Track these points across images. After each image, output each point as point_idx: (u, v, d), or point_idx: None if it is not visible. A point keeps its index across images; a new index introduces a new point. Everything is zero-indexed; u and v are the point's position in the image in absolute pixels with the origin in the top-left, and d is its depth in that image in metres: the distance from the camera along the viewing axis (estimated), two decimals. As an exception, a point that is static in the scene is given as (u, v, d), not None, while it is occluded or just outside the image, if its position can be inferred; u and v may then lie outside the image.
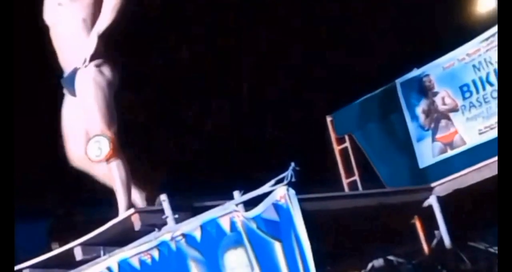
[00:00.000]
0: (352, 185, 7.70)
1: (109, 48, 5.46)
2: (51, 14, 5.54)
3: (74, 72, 5.48)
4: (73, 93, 5.53)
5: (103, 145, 5.27)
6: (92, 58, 5.41)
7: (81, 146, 5.47)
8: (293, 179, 4.65)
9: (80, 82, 5.44)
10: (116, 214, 5.28)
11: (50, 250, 5.74)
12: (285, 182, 4.67)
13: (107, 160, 5.28)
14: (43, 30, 5.62)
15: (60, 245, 5.73)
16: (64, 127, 5.60)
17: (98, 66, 5.43)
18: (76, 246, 5.40)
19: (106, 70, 5.46)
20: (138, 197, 5.37)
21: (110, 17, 5.40)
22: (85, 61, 5.41)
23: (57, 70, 5.61)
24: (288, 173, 4.64)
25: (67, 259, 5.47)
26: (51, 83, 5.69)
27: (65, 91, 5.60)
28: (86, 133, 5.47)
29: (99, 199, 5.56)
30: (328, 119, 7.90)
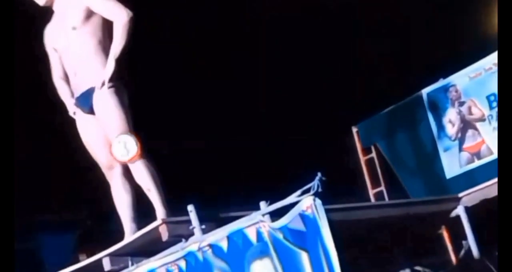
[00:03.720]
0: (378, 196, 7.67)
1: (121, 67, 5.56)
2: (62, 38, 5.67)
3: (89, 91, 5.60)
4: (87, 111, 5.64)
5: (130, 145, 5.32)
6: (110, 80, 5.54)
7: (108, 155, 5.55)
8: (320, 190, 4.65)
9: (99, 98, 5.56)
10: (143, 224, 5.31)
11: (78, 262, 5.78)
12: (312, 192, 4.66)
13: (134, 159, 5.32)
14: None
15: (88, 257, 5.77)
16: (86, 143, 5.70)
17: (114, 85, 5.55)
18: (104, 257, 5.43)
19: (122, 87, 5.59)
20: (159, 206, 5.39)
21: (124, 39, 5.54)
22: (103, 84, 5.54)
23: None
24: (315, 183, 4.64)
25: (95, 270, 5.51)
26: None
27: (77, 110, 5.69)
28: (107, 140, 5.54)
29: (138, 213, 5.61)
30: (354, 129, 7.89)
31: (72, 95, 5.72)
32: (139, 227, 5.38)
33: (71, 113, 5.75)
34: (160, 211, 5.35)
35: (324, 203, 4.70)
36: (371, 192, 7.75)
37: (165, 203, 5.36)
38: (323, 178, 4.63)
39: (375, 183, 7.72)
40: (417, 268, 6.74)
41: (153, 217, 5.33)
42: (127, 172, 5.54)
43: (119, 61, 5.54)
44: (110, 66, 5.54)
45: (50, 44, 5.77)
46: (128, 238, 5.38)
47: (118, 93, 5.56)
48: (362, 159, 7.85)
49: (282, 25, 9.38)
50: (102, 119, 5.54)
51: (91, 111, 5.63)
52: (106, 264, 5.41)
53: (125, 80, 5.64)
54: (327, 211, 4.69)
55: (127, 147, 5.33)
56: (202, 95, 9.48)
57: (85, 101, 5.63)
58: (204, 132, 9.47)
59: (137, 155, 5.32)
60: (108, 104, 5.52)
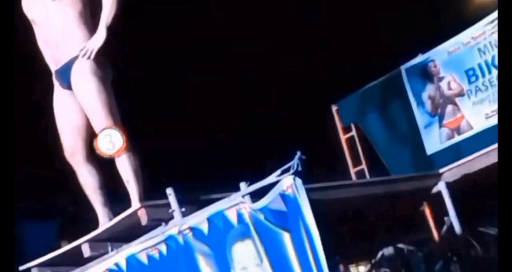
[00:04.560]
0: (360, 174, 7.65)
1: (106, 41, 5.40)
2: (40, 10, 5.46)
3: (69, 64, 5.41)
4: (65, 86, 5.46)
5: (116, 139, 5.22)
6: (99, 51, 5.33)
7: (73, 140, 5.44)
8: (300, 169, 4.60)
9: (77, 75, 5.37)
10: (124, 210, 5.24)
11: (60, 248, 5.70)
12: (292, 171, 4.61)
13: (119, 153, 5.23)
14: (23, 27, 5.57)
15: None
16: (57, 120, 5.54)
17: (95, 59, 5.36)
18: (83, 243, 5.36)
19: (103, 62, 5.40)
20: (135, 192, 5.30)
21: (114, 6, 5.33)
22: (91, 53, 5.32)
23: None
24: (294, 162, 4.58)
25: (76, 256, 5.45)
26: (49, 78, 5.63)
27: (56, 83, 5.52)
28: (80, 127, 5.43)
29: (109, 196, 5.53)
30: (334, 108, 7.84)
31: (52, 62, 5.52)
32: (118, 212, 5.31)
33: (55, 81, 5.54)
34: (135, 201, 5.24)
35: (305, 183, 4.66)
36: (352, 171, 7.73)
37: (142, 195, 5.24)
38: (303, 157, 4.58)
39: (356, 162, 7.70)
40: (400, 245, 6.73)
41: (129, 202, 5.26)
42: (90, 157, 5.42)
43: (110, 30, 5.31)
44: (102, 33, 5.30)
45: (29, 16, 5.53)
46: (106, 224, 5.31)
47: (100, 67, 5.34)
48: (343, 137, 7.82)
49: (261, 3, 9.30)
50: (83, 101, 5.36)
51: (69, 87, 5.43)
52: (86, 250, 5.34)
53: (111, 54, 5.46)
54: (308, 191, 4.64)
55: (113, 140, 5.22)
56: (179, 78, 9.40)
57: (64, 74, 5.43)
58: (182, 113, 9.41)
59: (123, 148, 5.22)
60: (88, 84, 5.30)
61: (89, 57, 5.32)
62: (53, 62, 5.53)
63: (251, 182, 4.85)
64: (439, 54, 7.10)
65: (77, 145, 5.43)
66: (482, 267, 6.29)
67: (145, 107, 8.93)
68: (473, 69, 6.92)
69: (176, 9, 9.31)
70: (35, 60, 5.71)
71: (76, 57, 5.39)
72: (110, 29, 5.33)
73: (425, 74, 7.20)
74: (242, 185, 4.84)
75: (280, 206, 4.69)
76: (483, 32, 6.79)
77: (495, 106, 6.78)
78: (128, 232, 5.22)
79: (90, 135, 5.40)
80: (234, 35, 9.35)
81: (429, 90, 7.20)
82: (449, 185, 6.38)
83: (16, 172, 5.33)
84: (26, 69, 7.00)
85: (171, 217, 5.08)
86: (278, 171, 4.66)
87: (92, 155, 5.41)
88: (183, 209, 5.05)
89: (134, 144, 5.32)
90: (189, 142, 9.38)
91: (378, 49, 8.99)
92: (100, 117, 5.29)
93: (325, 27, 9.43)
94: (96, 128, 5.31)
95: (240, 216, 4.83)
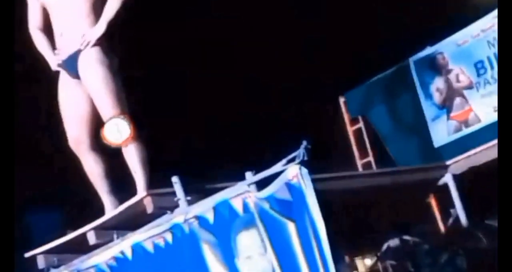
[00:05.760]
0: (367, 166, 7.65)
1: (112, 31, 5.41)
2: None
3: (76, 54, 5.42)
4: (73, 75, 5.47)
5: (123, 128, 5.22)
6: (96, 42, 5.36)
7: (78, 128, 5.45)
8: (305, 158, 4.59)
9: (84, 64, 5.39)
10: (128, 197, 5.25)
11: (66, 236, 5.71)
12: (297, 160, 4.61)
13: (127, 142, 5.24)
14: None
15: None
16: (62, 108, 5.54)
17: (101, 48, 5.37)
18: (89, 231, 5.38)
19: (109, 52, 5.42)
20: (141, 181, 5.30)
21: (119, 2, 5.35)
22: (88, 43, 5.36)
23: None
24: (300, 151, 4.57)
25: (81, 244, 5.46)
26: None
27: (63, 72, 5.53)
28: (85, 116, 5.44)
29: (115, 185, 5.54)
30: (341, 100, 7.83)
31: (53, 50, 5.51)
32: (125, 201, 5.32)
33: (53, 67, 5.54)
34: (142, 190, 5.24)
35: (311, 174, 4.65)
36: (359, 163, 7.73)
37: (148, 183, 5.25)
38: (308, 146, 4.57)
39: (363, 154, 7.69)
40: (406, 237, 6.72)
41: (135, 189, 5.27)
42: (96, 145, 5.43)
43: (110, 26, 5.34)
44: (101, 26, 5.34)
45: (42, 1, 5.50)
46: (112, 211, 5.32)
47: (107, 57, 5.36)
48: (350, 129, 7.82)
49: (261, 3, 9.28)
50: (91, 90, 5.36)
51: (77, 76, 5.44)
52: (91, 238, 5.35)
53: (116, 45, 5.48)
54: (314, 181, 4.63)
55: (120, 130, 5.22)
56: (183, 66, 9.38)
57: (72, 64, 5.43)
58: (188, 102, 9.40)
59: (130, 138, 5.22)
60: (95, 73, 5.32)
61: (85, 47, 5.34)
62: (58, 49, 5.51)
63: (257, 171, 4.84)
64: (448, 47, 7.08)
65: (82, 134, 5.44)
66: (488, 260, 6.27)
67: (145, 106, 8.93)
68: (481, 61, 6.90)
69: (176, 9, 9.31)
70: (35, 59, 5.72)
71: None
72: (110, 25, 5.35)
73: (434, 67, 7.19)
74: (248, 174, 4.84)
75: (286, 195, 4.68)
76: (492, 25, 6.77)
77: (503, 99, 6.77)
78: (134, 220, 5.23)
79: (95, 124, 5.41)
80: (234, 35, 9.33)
81: (437, 82, 7.19)
82: (455, 178, 6.37)
83: (19, 162, 5.35)
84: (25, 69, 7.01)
85: (177, 206, 5.08)
86: (284, 160, 4.66)
87: (97, 144, 5.42)
88: (189, 198, 5.05)
89: (141, 134, 5.33)
90: (194, 131, 9.37)
91: (387, 40, 8.96)
92: (108, 106, 5.30)
93: (336, 15, 9.40)
94: (104, 117, 5.32)
95: (245, 205, 4.83)
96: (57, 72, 5.57)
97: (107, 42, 5.41)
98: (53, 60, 5.52)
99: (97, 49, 5.37)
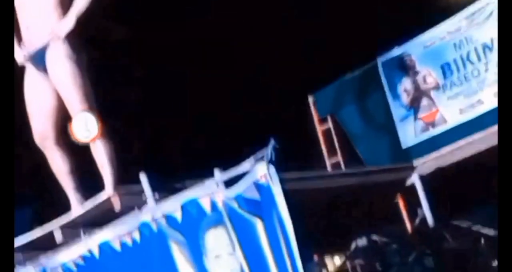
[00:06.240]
0: (335, 166, 7.65)
1: (81, 27, 5.37)
2: None
3: (44, 48, 5.36)
4: (41, 70, 5.41)
5: (91, 124, 5.17)
6: (65, 36, 5.29)
7: (44, 123, 5.38)
8: (273, 158, 4.59)
9: (53, 58, 5.33)
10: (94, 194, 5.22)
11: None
12: (266, 160, 4.61)
13: (95, 139, 5.19)
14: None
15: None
16: (28, 104, 5.47)
17: (70, 42, 5.33)
18: (55, 229, 5.34)
19: (78, 47, 5.36)
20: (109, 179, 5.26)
21: None
22: (58, 38, 5.30)
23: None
24: (268, 150, 4.58)
25: (47, 242, 5.42)
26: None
27: (29, 66, 5.44)
28: (52, 111, 5.37)
29: (85, 182, 5.49)
30: (310, 99, 7.85)
31: (19, 43, 5.41)
32: (91, 197, 5.28)
33: (19, 62, 5.43)
34: (109, 188, 5.21)
35: (279, 172, 4.65)
36: (328, 163, 7.74)
37: (116, 180, 5.22)
38: (276, 146, 4.57)
39: (332, 154, 7.71)
40: (374, 237, 6.76)
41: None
42: (62, 141, 5.37)
43: (79, 20, 5.27)
44: (70, 20, 5.26)
45: None
46: (78, 209, 5.28)
47: (75, 52, 5.30)
48: (319, 129, 7.83)
49: (261, 3, 9.30)
50: (58, 85, 5.31)
51: (45, 70, 5.37)
52: (58, 236, 5.31)
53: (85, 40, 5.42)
54: (282, 181, 4.64)
55: (88, 125, 5.18)
56: (157, 62, 9.36)
57: (40, 58, 5.36)
58: (157, 99, 9.37)
59: (98, 134, 5.18)
60: (64, 68, 5.26)
61: (54, 40, 5.26)
62: (24, 43, 5.42)
63: (224, 169, 4.84)
64: (415, 48, 7.13)
65: (48, 130, 5.37)
66: (455, 260, 6.33)
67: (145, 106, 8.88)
68: (448, 63, 6.96)
69: (176, 9, 9.29)
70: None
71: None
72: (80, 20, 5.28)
73: (401, 67, 7.23)
74: (216, 171, 4.83)
75: (254, 195, 4.69)
76: (459, 27, 6.84)
77: (469, 101, 6.83)
78: (101, 217, 5.20)
79: (62, 120, 5.36)
80: (234, 35, 9.34)
81: (405, 83, 7.23)
82: (423, 178, 6.42)
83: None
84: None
85: (145, 203, 5.07)
86: (252, 159, 4.66)
87: (63, 140, 5.36)
88: (156, 196, 5.04)
89: (109, 130, 5.29)
90: (162, 128, 9.34)
91: (355, 40, 9.00)
92: (76, 101, 5.25)
93: (305, 15, 9.43)
94: (72, 112, 5.27)
95: (213, 204, 4.83)
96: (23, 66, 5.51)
97: (75, 37, 5.35)
98: (19, 54, 5.42)
99: (65, 44, 5.30)
